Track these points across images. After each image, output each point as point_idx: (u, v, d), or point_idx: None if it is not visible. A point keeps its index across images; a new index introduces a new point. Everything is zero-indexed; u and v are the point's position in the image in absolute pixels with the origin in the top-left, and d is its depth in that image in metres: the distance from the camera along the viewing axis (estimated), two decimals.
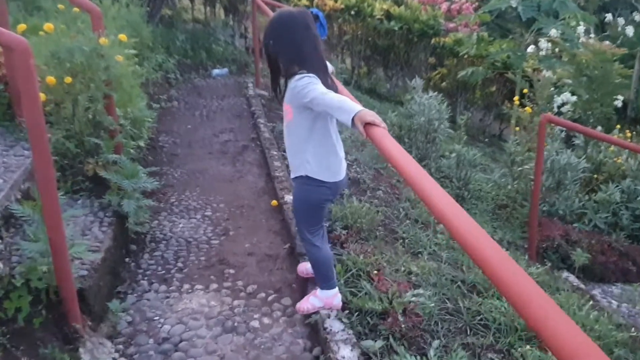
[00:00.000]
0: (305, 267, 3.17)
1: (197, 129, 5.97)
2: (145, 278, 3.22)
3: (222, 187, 4.53)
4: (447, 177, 6.27)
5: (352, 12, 10.70)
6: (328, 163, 2.54)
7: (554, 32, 8.64)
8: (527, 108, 5.98)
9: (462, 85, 11.52)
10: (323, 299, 2.76)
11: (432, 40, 11.11)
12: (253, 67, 9.08)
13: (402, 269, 3.47)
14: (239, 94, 7.35)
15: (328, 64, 2.73)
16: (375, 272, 3.19)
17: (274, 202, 4.16)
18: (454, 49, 11.11)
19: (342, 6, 10.61)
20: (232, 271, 3.29)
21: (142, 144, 4.62)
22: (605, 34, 10.51)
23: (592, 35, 9.31)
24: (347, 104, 2.19)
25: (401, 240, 4.01)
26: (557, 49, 9.33)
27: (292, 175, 2.67)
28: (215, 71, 8.41)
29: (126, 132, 4.42)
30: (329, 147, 2.53)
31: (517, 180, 6.15)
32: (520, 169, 6.03)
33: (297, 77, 2.38)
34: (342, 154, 2.63)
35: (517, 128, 6.22)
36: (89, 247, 2.95)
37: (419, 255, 3.83)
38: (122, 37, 3.69)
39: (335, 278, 2.79)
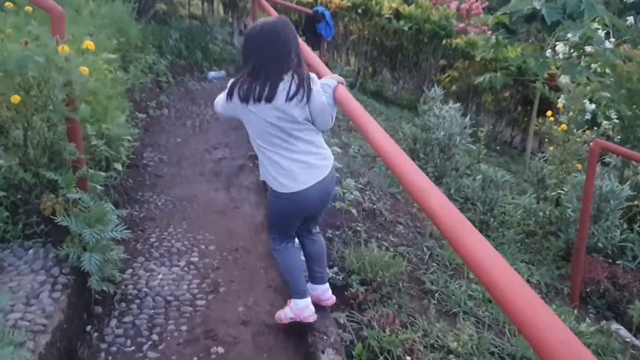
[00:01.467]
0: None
1: (187, 143, 5.20)
2: (110, 358, 2.46)
3: (213, 221, 3.77)
4: (469, 199, 5.52)
5: (359, 11, 9.90)
6: (272, 174, 2.40)
7: (575, 37, 7.91)
8: (562, 126, 5.21)
9: (474, 89, 10.81)
10: (294, 310, 2.59)
11: (444, 41, 10.34)
12: None
13: (438, 343, 2.72)
14: None
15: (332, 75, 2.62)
16: (408, 358, 2.44)
17: None
18: (466, 51, 10.37)
19: (349, 4, 9.81)
20: (220, 350, 2.52)
21: (119, 167, 3.85)
22: (626, 37, 9.77)
23: (612, 39, 8.57)
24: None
25: (430, 294, 3.26)
26: (574, 54, 8.59)
27: None
28: (212, 73, 7.62)
29: (100, 153, 3.66)
30: (266, 158, 2.40)
31: (548, 206, 5.40)
32: (553, 193, 5.28)
33: None
34: (294, 163, 2.35)
35: (552, 148, 5.46)
36: (29, 328, 2.19)
37: (455, 317, 3.08)
38: (89, 44, 2.91)
39: (305, 288, 2.61)
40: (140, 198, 4.02)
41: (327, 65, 3.97)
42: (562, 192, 5.20)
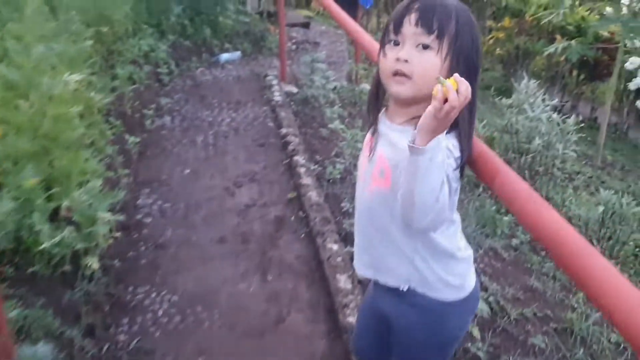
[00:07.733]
0: None
1: (199, 176, 3.63)
2: None
3: (245, 354, 2.25)
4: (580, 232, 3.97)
5: None
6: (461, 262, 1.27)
7: None
8: None
9: (524, 53, 9.14)
10: None
11: None
12: (271, 42, 6.61)
13: None
14: (259, 96, 4.94)
15: None
16: None
17: None
18: (517, 9, 8.64)
19: None
20: None
21: (94, 263, 2.32)
22: None
23: None
24: None
25: None
26: None
27: (391, 283, 1.27)
28: (224, 56, 5.96)
29: (62, 249, 2.15)
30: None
31: None
32: None
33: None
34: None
35: None
36: None
37: None
38: None
39: None
40: (130, 300, 2.50)
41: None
42: None
